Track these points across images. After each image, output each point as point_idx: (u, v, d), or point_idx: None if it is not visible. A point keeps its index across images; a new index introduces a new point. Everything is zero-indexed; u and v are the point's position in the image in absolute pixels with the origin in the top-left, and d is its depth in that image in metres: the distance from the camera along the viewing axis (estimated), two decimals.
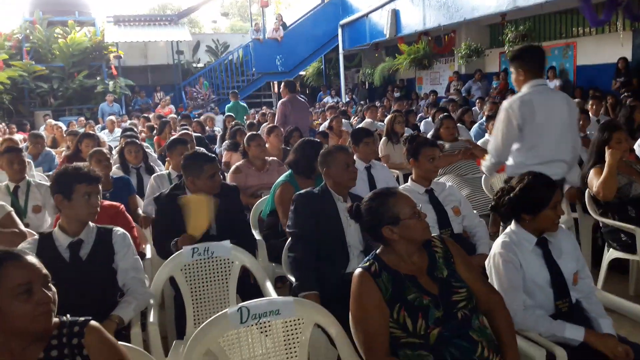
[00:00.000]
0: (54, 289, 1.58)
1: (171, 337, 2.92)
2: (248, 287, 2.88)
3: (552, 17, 11.75)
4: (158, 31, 17.49)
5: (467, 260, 1.98)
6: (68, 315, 1.66)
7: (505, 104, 3.25)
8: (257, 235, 3.59)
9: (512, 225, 2.24)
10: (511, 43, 11.18)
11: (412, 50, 13.40)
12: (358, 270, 1.90)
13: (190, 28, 20.21)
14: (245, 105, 13.10)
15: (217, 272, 2.76)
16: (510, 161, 3.27)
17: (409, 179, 3.20)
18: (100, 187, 2.56)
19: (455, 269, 1.92)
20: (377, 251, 1.97)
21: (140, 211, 4.20)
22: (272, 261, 3.48)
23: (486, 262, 2.24)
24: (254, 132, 5.08)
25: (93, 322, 1.64)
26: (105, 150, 4.46)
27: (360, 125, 8.32)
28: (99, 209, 2.54)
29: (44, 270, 1.58)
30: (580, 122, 5.34)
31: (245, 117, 11.34)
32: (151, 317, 2.40)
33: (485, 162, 3.47)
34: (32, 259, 1.58)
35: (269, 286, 2.69)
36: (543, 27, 11.97)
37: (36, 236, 2.50)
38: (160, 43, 18.26)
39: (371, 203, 1.96)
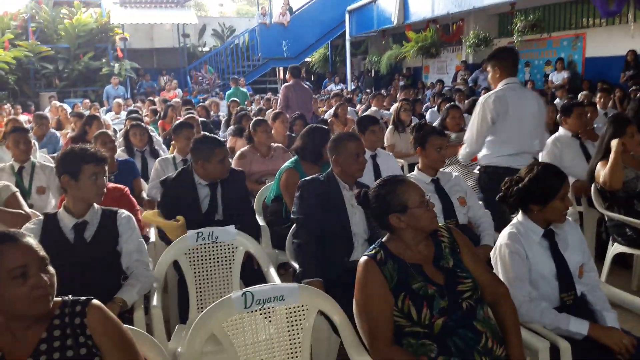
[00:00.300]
0: (52, 271, 1.57)
1: (174, 321, 2.93)
2: (251, 273, 2.88)
3: (562, 6, 11.62)
4: (164, 13, 17.37)
5: (473, 251, 1.97)
6: (70, 295, 1.65)
7: (481, 99, 3.54)
8: (260, 222, 3.59)
9: (519, 217, 2.22)
10: (520, 33, 11.10)
11: (419, 38, 13.29)
12: (364, 258, 1.90)
13: (197, 11, 20.05)
14: (245, 91, 13.06)
15: (221, 257, 2.76)
16: (483, 151, 3.56)
17: (415, 168, 3.18)
18: (106, 168, 2.56)
19: (461, 259, 1.91)
20: (383, 239, 1.96)
21: (144, 194, 4.20)
22: (276, 247, 3.48)
23: (492, 253, 2.23)
24: (261, 118, 5.06)
25: (95, 301, 1.63)
26: (110, 132, 4.45)
27: (366, 114, 8.30)
28: (105, 190, 2.54)
29: (41, 253, 1.56)
30: (589, 115, 5.31)
31: (246, 103, 11.30)
32: (154, 301, 2.40)
33: (462, 151, 3.75)
34: (29, 241, 1.56)
35: (273, 272, 2.68)
36: (552, 17, 11.85)
37: (41, 217, 2.49)
38: (167, 25, 18.14)
39: (379, 190, 1.94)
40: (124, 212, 2.55)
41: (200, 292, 2.69)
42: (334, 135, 2.94)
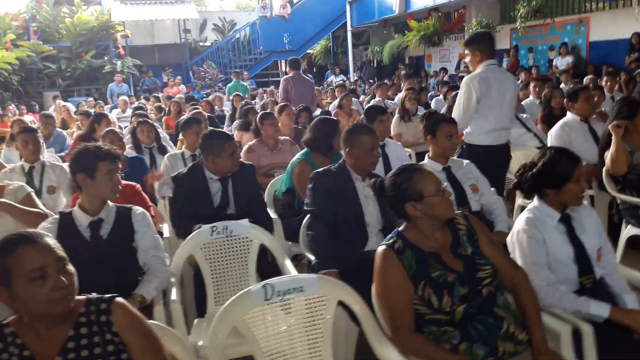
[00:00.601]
0: (72, 270, 1.56)
1: (191, 316, 2.94)
2: (266, 266, 2.89)
3: None
4: (165, 9, 17.34)
5: (490, 237, 1.97)
6: (94, 294, 1.66)
7: (466, 80, 3.81)
8: (272, 214, 3.60)
9: (535, 202, 2.22)
10: (523, 19, 11.01)
11: (422, 27, 13.22)
12: (381, 248, 1.90)
13: (197, 6, 19.98)
14: (246, 85, 13.04)
15: (237, 251, 2.77)
16: (468, 129, 3.85)
17: (426, 157, 3.17)
18: (120, 165, 2.57)
19: (479, 246, 1.92)
20: (400, 228, 1.96)
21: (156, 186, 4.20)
22: (288, 239, 3.49)
23: (508, 239, 2.23)
24: (267, 111, 5.05)
25: (119, 299, 1.64)
26: (118, 130, 4.46)
27: (370, 104, 8.28)
28: (120, 187, 2.55)
29: (60, 253, 1.55)
30: (596, 99, 5.29)
31: (246, 96, 11.28)
32: (173, 295, 2.41)
33: None
34: (47, 241, 1.55)
35: (289, 264, 2.69)
36: (555, 2, 11.74)
37: (56, 215, 2.51)
38: (167, 21, 18.12)
39: (395, 179, 1.94)
40: (138, 209, 2.56)
41: (217, 286, 2.71)
42: (347, 127, 2.93)
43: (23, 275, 1.48)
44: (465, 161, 3.22)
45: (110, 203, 2.51)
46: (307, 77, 8.16)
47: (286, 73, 8.61)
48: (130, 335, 1.59)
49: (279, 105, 5.79)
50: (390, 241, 1.90)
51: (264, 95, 11.70)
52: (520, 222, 2.17)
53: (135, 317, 1.63)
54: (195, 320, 2.63)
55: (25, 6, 16.22)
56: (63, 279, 1.51)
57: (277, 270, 2.90)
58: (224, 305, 1.88)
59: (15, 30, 15.43)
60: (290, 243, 3.48)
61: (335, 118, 3.99)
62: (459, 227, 1.95)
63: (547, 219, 2.16)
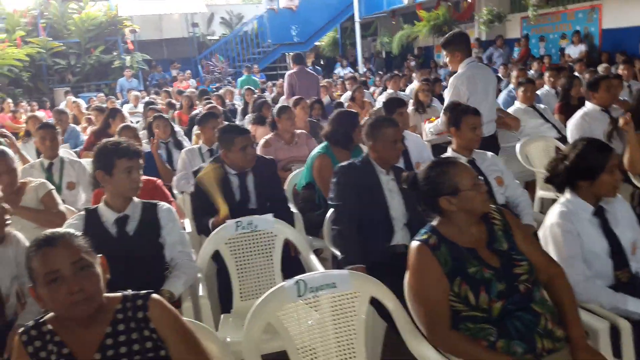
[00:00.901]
0: (95, 272, 1.53)
1: (214, 311, 2.93)
2: (289, 260, 2.88)
3: None
4: (172, 3, 17.29)
5: (525, 232, 1.94)
6: (129, 290, 1.66)
7: (452, 81, 4.01)
8: (293, 209, 3.58)
9: (568, 195, 2.19)
10: (535, 7, 10.88)
11: (431, 17, 13.10)
12: (416, 243, 1.87)
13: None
14: (256, 79, 13.01)
15: (261, 246, 2.76)
16: None
17: (449, 149, 3.14)
18: (141, 161, 2.56)
19: (514, 241, 1.89)
20: (434, 223, 1.93)
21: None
22: (308, 234, 3.47)
23: (541, 233, 2.20)
24: (285, 105, 5.03)
25: (155, 295, 1.63)
26: (134, 125, 4.46)
27: (382, 96, 8.23)
28: (141, 184, 2.54)
29: (78, 256, 1.51)
30: (614, 89, 5.22)
31: (256, 90, 11.25)
32: (201, 291, 2.41)
33: (433, 125, 4.36)
34: (69, 242, 1.52)
35: (314, 259, 2.68)
36: None
37: (83, 212, 2.50)
38: (175, 16, 18.08)
39: (430, 172, 1.91)
40: (164, 205, 2.55)
41: (242, 281, 2.70)
42: (370, 119, 2.90)
43: (41, 278, 1.48)
44: (490, 153, 3.18)
45: (135, 199, 2.50)
46: (311, 71, 8.13)
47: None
48: (168, 331, 1.58)
49: (294, 98, 5.77)
50: (425, 236, 1.88)
51: (274, 88, 11.67)
52: (553, 215, 2.14)
53: (172, 313, 1.63)
54: (222, 316, 2.62)
55: (33, 3, 16.22)
56: (79, 282, 1.48)
57: (299, 265, 2.90)
58: (258, 302, 1.87)
59: (25, 27, 15.43)
60: (311, 238, 3.46)
61: (354, 111, 3.94)
62: (494, 222, 1.92)
63: (580, 212, 2.13)
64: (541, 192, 4.19)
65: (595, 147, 2.14)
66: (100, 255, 1.64)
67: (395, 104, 3.95)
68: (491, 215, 1.93)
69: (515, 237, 1.90)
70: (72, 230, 1.61)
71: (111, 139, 2.66)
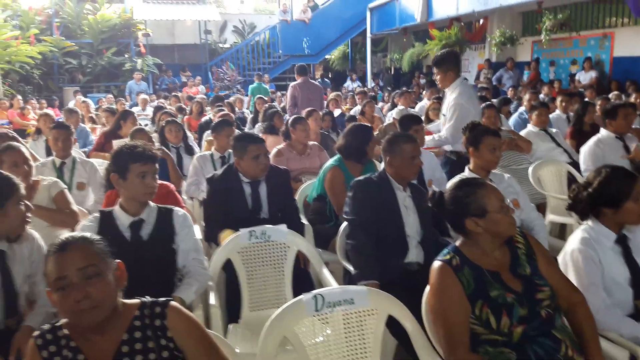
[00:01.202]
0: (107, 280, 1.49)
1: (222, 320, 2.90)
2: (298, 272, 2.85)
3: (591, 5, 11.41)
4: (187, 9, 17.43)
5: (548, 257, 1.92)
6: (147, 297, 1.63)
7: (458, 101, 4.13)
8: (303, 220, 3.56)
9: (590, 222, 2.16)
10: (549, 32, 10.92)
11: (444, 36, 13.16)
12: (438, 263, 1.85)
13: (217, 7, 20.09)
14: (267, 87, 13.07)
15: (273, 256, 2.73)
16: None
17: (466, 169, 3.12)
18: (156, 166, 2.53)
19: (537, 266, 1.86)
20: (457, 243, 1.91)
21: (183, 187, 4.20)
22: (317, 246, 3.44)
23: (561, 259, 2.17)
24: (300, 116, 5.03)
25: (173, 302, 1.59)
26: (147, 129, 4.45)
27: (392, 112, 8.22)
28: (155, 189, 2.51)
29: (86, 262, 1.47)
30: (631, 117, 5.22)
31: (266, 99, 11.29)
32: (212, 300, 2.38)
33: (434, 140, 4.35)
34: (81, 247, 1.49)
35: (327, 273, 2.65)
36: (580, 16, 11.63)
37: (97, 214, 2.48)
38: (188, 22, 18.20)
39: (457, 192, 1.89)
40: (180, 210, 2.53)
41: (252, 291, 2.67)
42: (389, 135, 2.89)
43: (51, 284, 1.47)
44: (507, 175, 3.16)
45: (151, 204, 2.48)
46: (315, 83, 8.15)
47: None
48: (187, 340, 1.54)
49: (306, 110, 5.76)
50: (447, 257, 1.85)
51: (282, 98, 11.70)
52: (574, 241, 2.12)
53: (192, 321, 1.59)
54: (230, 326, 2.58)
55: (49, 1, 16.35)
56: (85, 290, 1.44)
57: (308, 278, 2.87)
58: (274, 315, 1.84)
59: (39, 25, 15.54)
60: (320, 250, 3.43)
61: (368, 125, 3.94)
62: (518, 246, 1.89)
63: (603, 239, 2.10)
64: (551, 216, 4.17)
65: (621, 175, 2.12)
66: (119, 261, 1.61)
67: (411, 121, 3.93)
68: (515, 238, 1.91)
69: (538, 262, 1.87)
70: (88, 235, 1.58)
71: (129, 142, 2.64)
